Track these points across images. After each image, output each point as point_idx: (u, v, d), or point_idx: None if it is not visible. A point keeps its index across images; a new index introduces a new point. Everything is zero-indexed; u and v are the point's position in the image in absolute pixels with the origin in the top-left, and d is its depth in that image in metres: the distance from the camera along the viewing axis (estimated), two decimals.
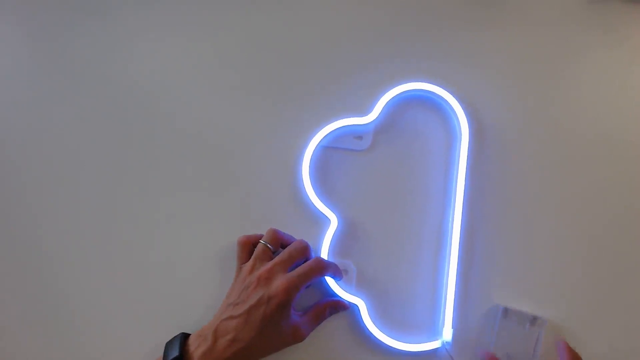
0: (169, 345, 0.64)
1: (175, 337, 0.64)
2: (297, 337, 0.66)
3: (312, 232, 0.72)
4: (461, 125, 0.72)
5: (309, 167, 0.72)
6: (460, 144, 0.72)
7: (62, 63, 0.76)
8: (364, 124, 0.73)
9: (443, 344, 0.69)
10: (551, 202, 0.73)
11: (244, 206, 0.73)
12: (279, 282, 0.63)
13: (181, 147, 0.74)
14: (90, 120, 0.75)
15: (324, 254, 0.71)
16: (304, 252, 0.68)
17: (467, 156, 0.72)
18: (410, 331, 0.71)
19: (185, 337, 0.64)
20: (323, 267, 0.66)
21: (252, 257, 0.67)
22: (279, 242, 0.69)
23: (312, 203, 0.71)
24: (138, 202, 0.73)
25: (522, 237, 0.72)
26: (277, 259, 0.65)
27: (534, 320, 0.69)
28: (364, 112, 0.73)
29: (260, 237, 0.69)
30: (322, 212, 0.71)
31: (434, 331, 0.71)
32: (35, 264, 0.72)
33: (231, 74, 0.75)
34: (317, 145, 0.72)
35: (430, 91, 0.73)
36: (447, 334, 0.69)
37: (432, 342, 0.69)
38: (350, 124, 0.72)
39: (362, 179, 0.73)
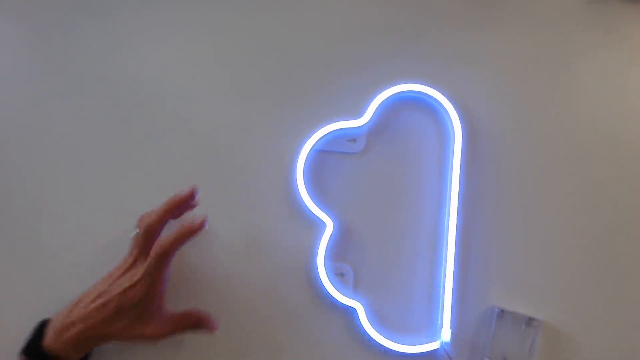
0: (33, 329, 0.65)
1: (40, 321, 0.65)
2: (149, 331, 0.64)
3: (308, 237, 0.72)
4: (454, 126, 0.71)
5: (303, 171, 0.72)
6: (453, 145, 0.72)
7: (62, 63, 0.76)
8: (357, 127, 0.72)
9: (442, 345, 0.69)
10: (547, 203, 0.72)
11: (239, 212, 0.73)
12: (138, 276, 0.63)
13: (178, 150, 0.74)
14: (90, 120, 0.75)
15: (320, 258, 0.70)
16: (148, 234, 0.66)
17: (461, 157, 0.71)
18: (409, 333, 0.71)
19: (48, 321, 0.65)
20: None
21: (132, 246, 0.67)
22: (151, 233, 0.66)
23: (307, 207, 0.71)
24: (134, 202, 0.73)
25: (518, 239, 0.72)
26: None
27: (529, 321, 0.69)
28: (357, 114, 0.73)
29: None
30: (317, 216, 0.71)
31: (431, 332, 0.71)
32: (35, 263, 0.73)
33: (224, 79, 0.75)
34: (311, 149, 0.72)
35: (423, 92, 0.72)
36: (446, 334, 0.69)
37: (430, 343, 0.69)
38: (343, 126, 0.72)
39: (356, 182, 0.73)
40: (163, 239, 0.62)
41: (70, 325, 0.62)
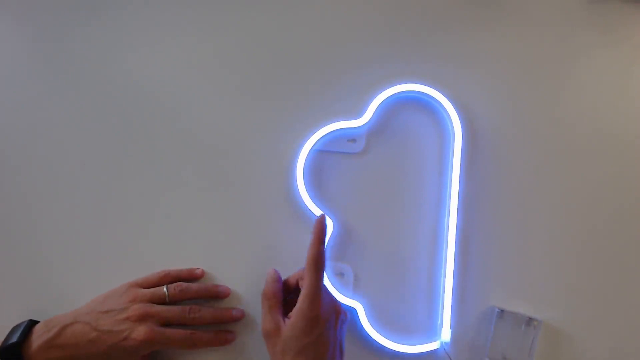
0: (14, 329, 0.64)
1: (22, 322, 0.64)
2: None
3: (308, 237, 0.71)
4: (454, 126, 0.71)
5: (303, 171, 0.72)
6: (453, 145, 0.72)
7: (61, 63, 0.76)
8: (357, 127, 0.72)
9: (442, 345, 0.69)
10: (546, 203, 0.72)
11: (240, 212, 0.73)
12: (145, 329, 0.63)
13: (177, 150, 0.74)
14: (89, 121, 0.75)
15: None
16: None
17: (461, 157, 0.71)
18: (409, 333, 0.71)
19: (33, 323, 0.64)
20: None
21: (149, 292, 0.67)
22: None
23: (308, 207, 0.71)
24: (134, 202, 0.74)
25: (517, 239, 0.72)
26: (162, 310, 0.66)
27: (529, 321, 0.69)
28: (357, 114, 0.73)
29: (178, 275, 0.70)
30: (317, 216, 0.71)
31: (431, 332, 0.71)
32: (34, 263, 0.73)
33: (224, 79, 0.75)
34: (311, 149, 0.72)
35: (423, 92, 0.72)
36: (446, 334, 0.69)
37: (430, 343, 0.69)
38: (343, 126, 0.72)
39: (356, 182, 0.73)
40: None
41: (58, 347, 0.62)
